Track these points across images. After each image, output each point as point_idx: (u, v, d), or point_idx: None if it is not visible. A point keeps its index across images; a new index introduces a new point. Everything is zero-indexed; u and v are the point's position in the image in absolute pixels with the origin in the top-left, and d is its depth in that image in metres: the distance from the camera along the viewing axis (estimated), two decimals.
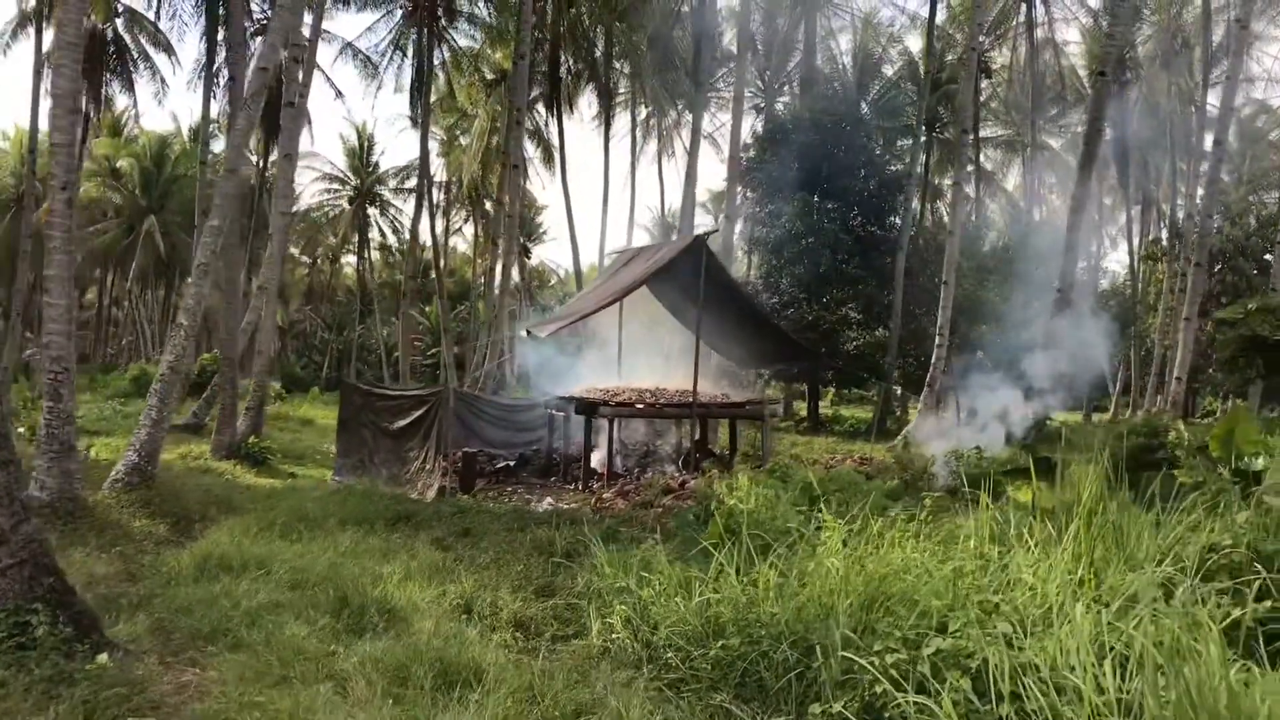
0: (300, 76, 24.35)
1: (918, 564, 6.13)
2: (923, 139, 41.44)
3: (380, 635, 7.08)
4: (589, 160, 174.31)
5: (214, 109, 38.21)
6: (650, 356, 20.94)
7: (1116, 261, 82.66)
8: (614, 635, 6.91)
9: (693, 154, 31.12)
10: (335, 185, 61.42)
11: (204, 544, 10.21)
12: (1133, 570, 5.82)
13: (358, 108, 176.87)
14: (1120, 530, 6.33)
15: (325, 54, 39.54)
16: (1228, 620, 4.70)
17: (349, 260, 72.43)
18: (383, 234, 64.66)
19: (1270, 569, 5.59)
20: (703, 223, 64.64)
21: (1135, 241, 51.58)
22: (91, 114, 42.17)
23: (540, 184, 59.34)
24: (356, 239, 62.96)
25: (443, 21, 39.62)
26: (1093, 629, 4.68)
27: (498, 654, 6.64)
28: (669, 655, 6.30)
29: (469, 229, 63.17)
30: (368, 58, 41.14)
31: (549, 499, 16.00)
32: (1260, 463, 10.68)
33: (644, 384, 19.05)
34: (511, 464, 18.96)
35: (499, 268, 33.22)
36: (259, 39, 38.93)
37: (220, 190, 14.38)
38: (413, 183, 61.09)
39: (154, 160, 59.68)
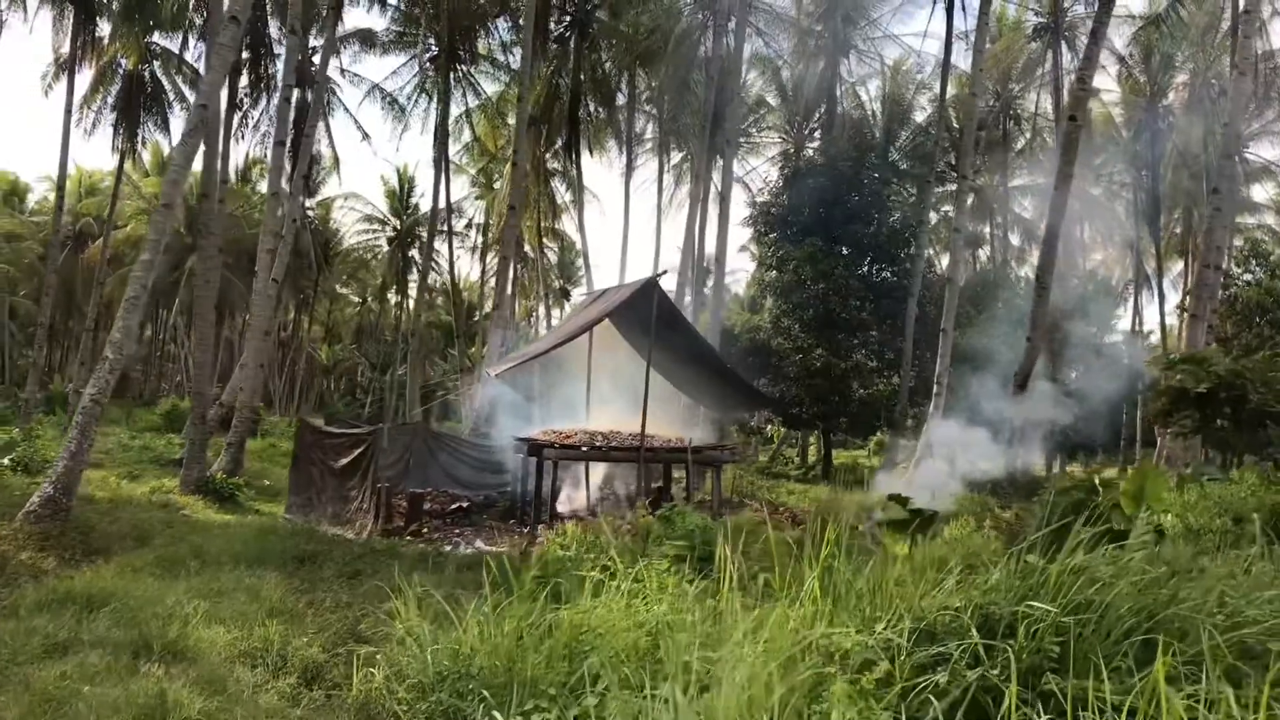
0: (293, 117, 24.57)
1: (610, 618, 5.85)
2: (951, 186, 40.93)
3: (147, 677, 6.91)
4: (637, 205, 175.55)
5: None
6: (626, 399, 20.73)
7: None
8: (373, 685, 6.67)
9: (724, 199, 31.35)
10: (375, 226, 62.21)
11: (71, 581, 10.15)
12: (860, 628, 5.47)
13: (384, 149, 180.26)
14: (855, 587, 5.97)
15: (353, 96, 40.29)
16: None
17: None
18: (419, 274, 65.25)
19: (990, 634, 5.21)
20: (736, 267, 64.50)
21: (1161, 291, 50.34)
22: (127, 154, 43.27)
23: (573, 227, 59.70)
24: (396, 280, 63.57)
25: (466, 66, 40.15)
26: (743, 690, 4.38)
27: (250, 703, 6.48)
28: (399, 708, 6.06)
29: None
30: (394, 99, 41.74)
31: (479, 542, 15.74)
32: (1167, 520, 10.28)
33: (608, 426, 18.80)
34: (465, 505, 18.77)
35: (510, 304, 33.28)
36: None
37: (153, 224, 14.47)
38: (456, 224, 62.01)
39: (199, 198, 60.82)
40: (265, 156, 50.58)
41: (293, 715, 6.48)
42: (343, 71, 44.09)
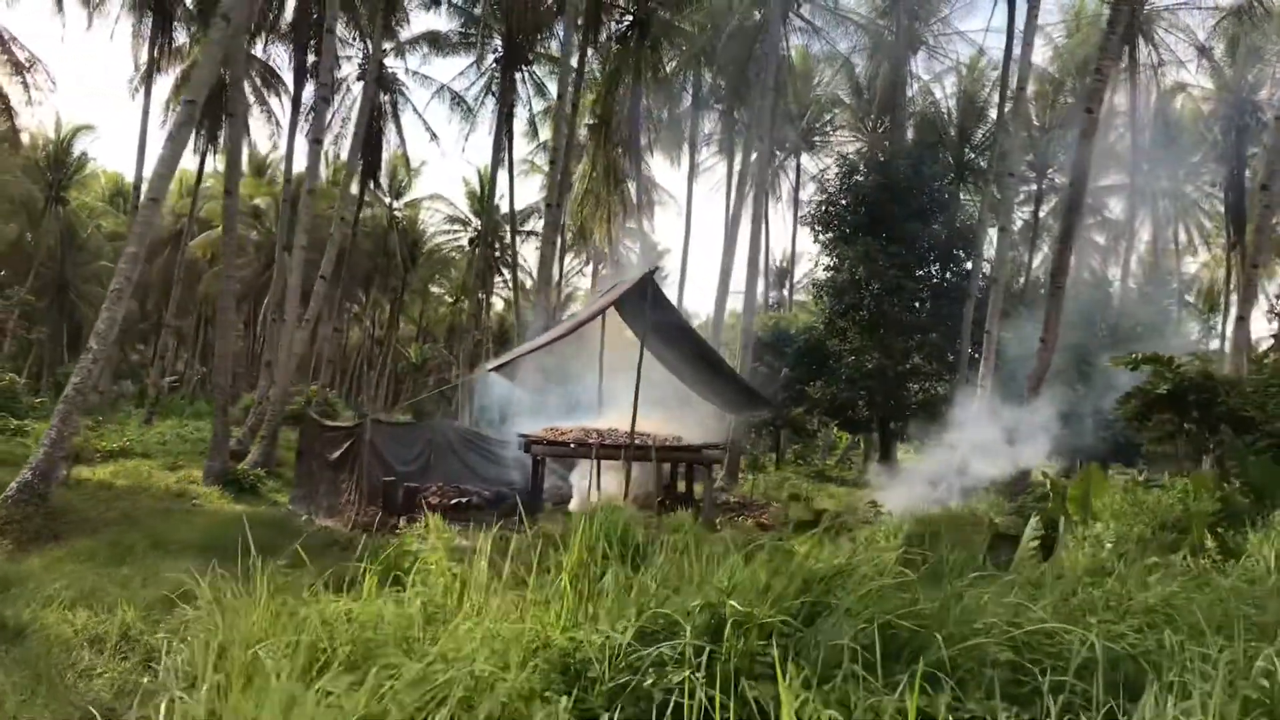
0: (331, 116, 24.97)
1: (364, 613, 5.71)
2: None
3: None
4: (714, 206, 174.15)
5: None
6: (644, 398, 20.57)
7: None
8: None
9: (758, 200, 31.03)
10: (458, 226, 63.10)
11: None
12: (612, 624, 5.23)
13: (453, 150, 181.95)
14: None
15: (420, 96, 40.93)
16: None
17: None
18: (501, 274, 66.00)
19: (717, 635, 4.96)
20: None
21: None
22: (207, 155, 44.63)
23: (650, 227, 59.74)
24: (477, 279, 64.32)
25: (530, 67, 40.41)
26: None
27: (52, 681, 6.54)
28: None
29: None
30: (460, 98, 42.18)
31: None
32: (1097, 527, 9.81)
33: (622, 425, 18.67)
34: (466, 500, 18.75)
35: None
36: (359, 83, 40.72)
37: (138, 218, 14.78)
38: (534, 224, 62.49)
39: (293, 201, 62.47)
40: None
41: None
42: (408, 72, 44.82)
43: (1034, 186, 46.75)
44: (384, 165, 52.62)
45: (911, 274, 32.64)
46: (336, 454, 17.66)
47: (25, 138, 60.33)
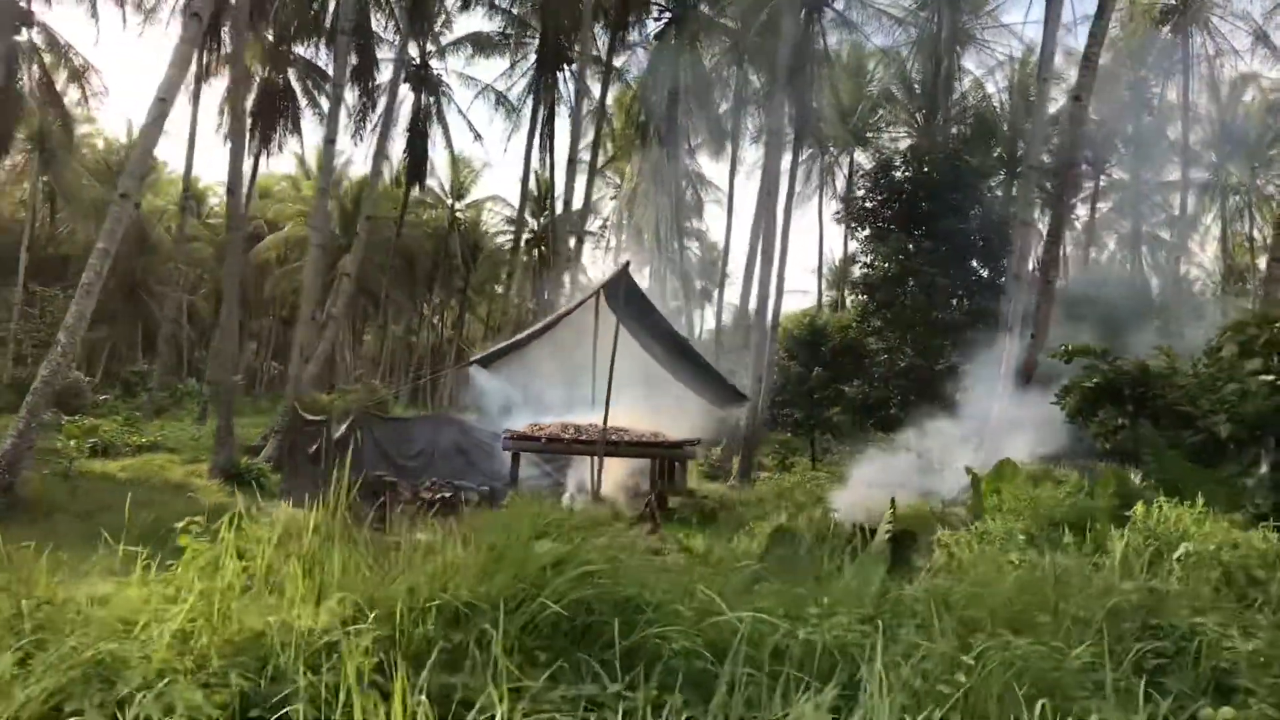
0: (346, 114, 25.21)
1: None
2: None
3: None
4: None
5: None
6: (638, 394, 20.42)
7: None
8: None
9: (770, 194, 30.43)
10: (510, 227, 63.62)
11: None
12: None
13: (495, 150, 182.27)
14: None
15: (464, 96, 41.17)
16: None
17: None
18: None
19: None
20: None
21: None
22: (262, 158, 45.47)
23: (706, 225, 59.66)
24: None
25: (573, 66, 40.39)
26: None
27: None
28: None
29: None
30: (503, 97, 42.39)
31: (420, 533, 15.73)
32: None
33: (599, 421, 18.54)
34: (449, 495, 18.77)
35: None
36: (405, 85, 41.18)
37: (111, 215, 15.06)
38: (591, 224, 62.61)
39: (353, 202, 63.43)
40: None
41: None
42: (448, 72, 44.86)
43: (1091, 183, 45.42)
44: (430, 166, 53.00)
45: (947, 271, 31.88)
46: (314, 447, 17.81)
47: (100, 143, 62.59)
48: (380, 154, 29.29)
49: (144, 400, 40.75)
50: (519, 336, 19.03)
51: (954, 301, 32.10)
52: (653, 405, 19.80)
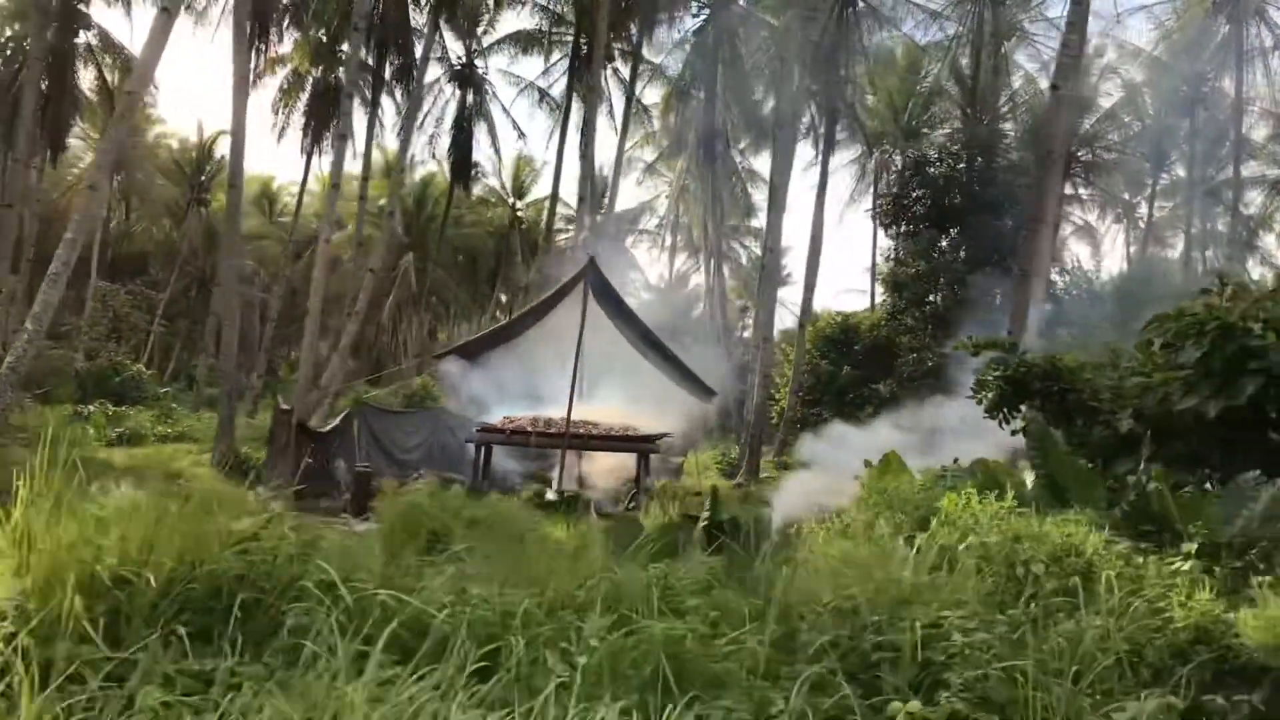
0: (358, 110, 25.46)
1: None
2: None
3: None
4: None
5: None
6: (619, 387, 20.35)
7: None
8: None
9: (776, 187, 29.88)
10: (572, 226, 63.73)
11: None
12: None
13: (537, 148, 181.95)
14: None
15: (506, 94, 41.31)
16: None
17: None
18: None
19: None
20: None
21: None
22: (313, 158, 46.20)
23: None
24: None
25: (615, 63, 40.42)
26: None
27: None
28: None
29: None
30: (546, 94, 42.56)
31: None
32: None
33: (597, 414, 18.53)
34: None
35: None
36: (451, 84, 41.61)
37: (78, 205, 15.41)
38: (648, 224, 62.66)
39: (415, 201, 64.23)
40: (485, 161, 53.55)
41: None
42: (486, 69, 44.97)
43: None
44: (493, 165, 53.56)
45: (980, 267, 31.17)
46: (284, 439, 18.04)
47: (174, 144, 64.27)
48: (404, 150, 29.44)
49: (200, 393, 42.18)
50: (488, 331, 19.04)
51: (986, 299, 31.37)
52: (641, 399, 19.71)
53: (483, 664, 4.37)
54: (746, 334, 61.77)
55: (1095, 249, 50.58)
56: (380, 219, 64.58)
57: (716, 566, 6.44)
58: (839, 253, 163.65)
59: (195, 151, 62.21)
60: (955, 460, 11.03)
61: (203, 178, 62.04)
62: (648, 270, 73.34)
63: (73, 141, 53.95)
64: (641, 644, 4.48)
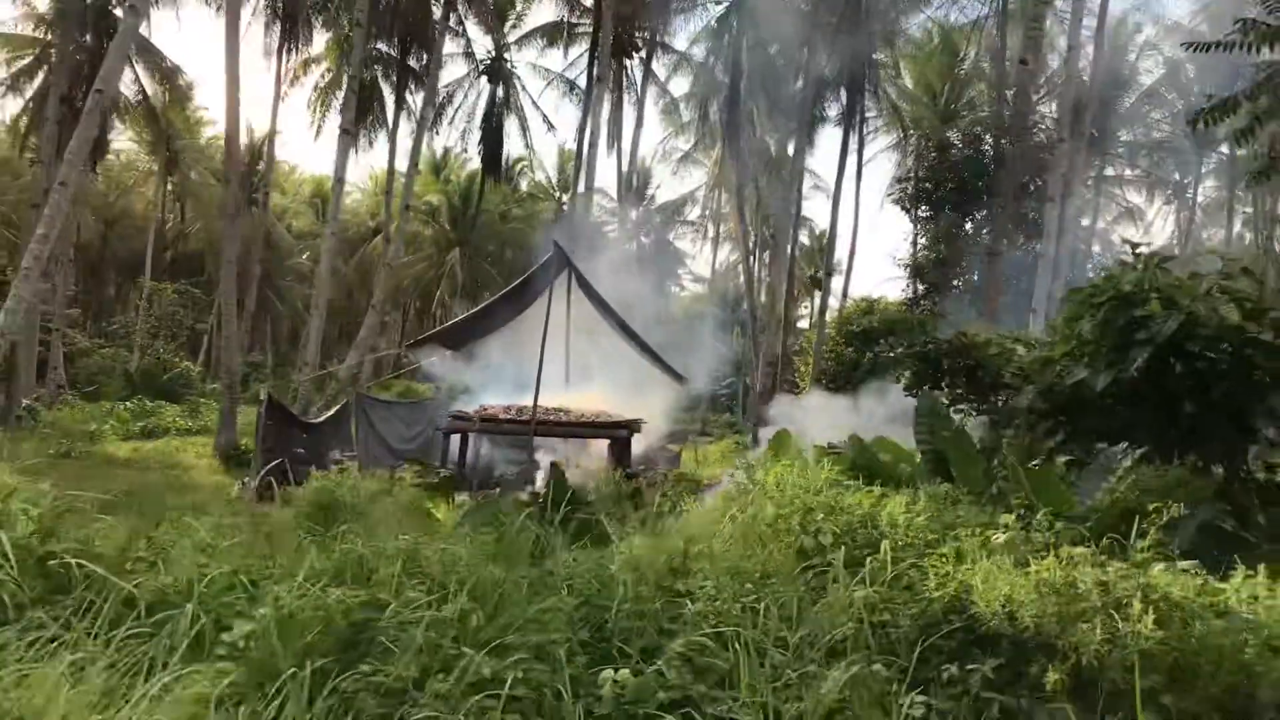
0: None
1: None
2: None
3: None
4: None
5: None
6: (607, 376, 20.32)
7: None
8: None
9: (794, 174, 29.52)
10: (616, 219, 63.72)
11: None
12: None
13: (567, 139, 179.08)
14: None
15: (535, 85, 41.28)
16: None
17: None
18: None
19: None
20: None
21: None
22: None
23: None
24: None
25: (642, 55, 40.33)
26: None
27: None
28: None
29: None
30: (574, 85, 42.54)
31: None
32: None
33: (565, 401, 18.50)
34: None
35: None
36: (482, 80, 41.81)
37: (51, 201, 15.74)
38: (690, 214, 62.38)
39: (461, 197, 64.69)
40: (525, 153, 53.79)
41: None
42: (512, 63, 44.95)
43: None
44: (538, 160, 53.76)
45: (1000, 251, 30.56)
46: (267, 424, 18.28)
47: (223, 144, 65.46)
48: (417, 147, 29.66)
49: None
50: (466, 316, 19.08)
51: (1007, 281, 30.83)
52: (630, 387, 19.67)
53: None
54: (801, 324, 61.33)
55: (1144, 231, 49.13)
56: (428, 217, 65.68)
57: (489, 540, 6.38)
58: (884, 240, 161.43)
59: (246, 153, 63.20)
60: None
61: (254, 179, 63.13)
62: (696, 262, 73.29)
63: (126, 145, 55.73)
64: (320, 611, 4.44)
